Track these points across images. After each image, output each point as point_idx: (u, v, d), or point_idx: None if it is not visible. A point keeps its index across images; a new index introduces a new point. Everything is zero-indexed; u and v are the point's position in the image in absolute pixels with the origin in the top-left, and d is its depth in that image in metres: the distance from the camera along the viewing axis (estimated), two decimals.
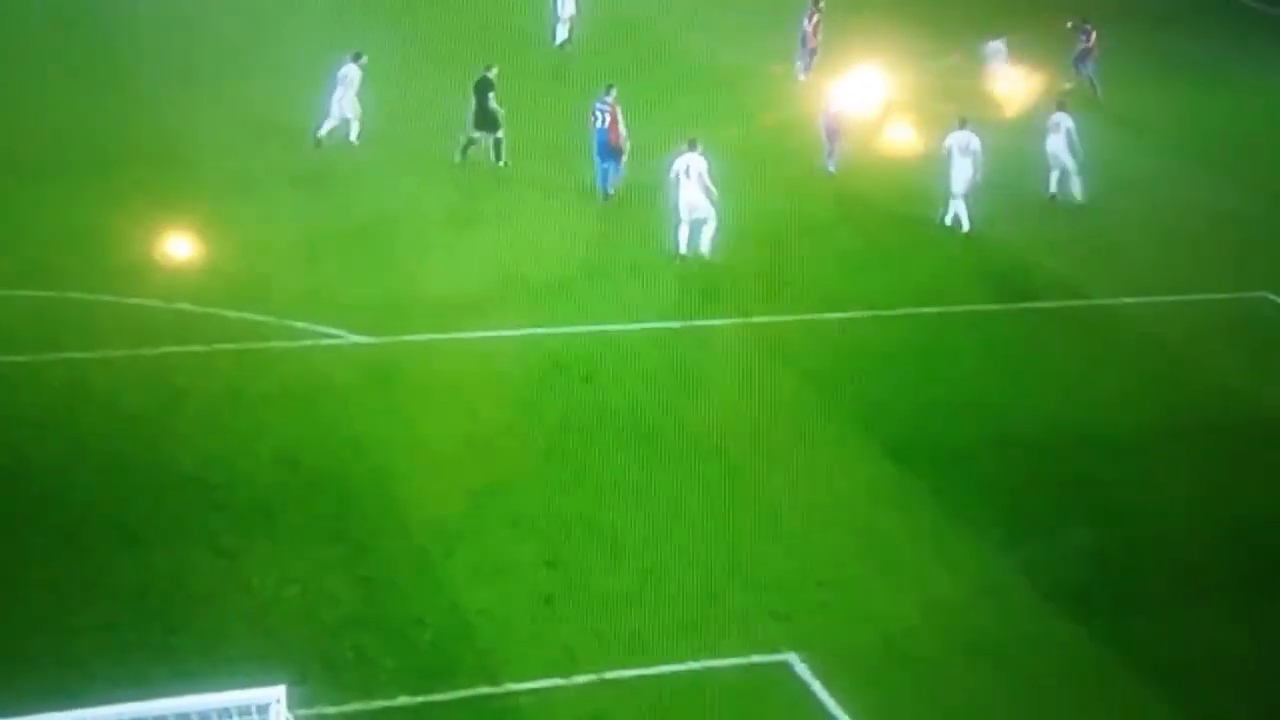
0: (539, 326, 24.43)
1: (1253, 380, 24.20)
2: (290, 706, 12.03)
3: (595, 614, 16.74)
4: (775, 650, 16.19)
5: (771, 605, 17.08)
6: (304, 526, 18.08)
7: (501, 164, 30.60)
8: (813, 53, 37.26)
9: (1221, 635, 17.30)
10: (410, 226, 28.29)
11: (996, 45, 38.01)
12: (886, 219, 29.76)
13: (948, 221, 29.22)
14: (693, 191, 26.78)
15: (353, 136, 31.75)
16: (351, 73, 31.60)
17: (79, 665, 15.23)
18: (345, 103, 31.66)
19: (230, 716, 11.86)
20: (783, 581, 17.61)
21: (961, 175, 29.10)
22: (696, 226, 26.75)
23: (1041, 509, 19.78)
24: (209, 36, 37.63)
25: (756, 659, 16.09)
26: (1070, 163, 30.96)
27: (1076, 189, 31.07)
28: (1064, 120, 31.06)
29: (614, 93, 29.66)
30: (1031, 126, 32.25)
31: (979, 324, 25.71)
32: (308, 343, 23.14)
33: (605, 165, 29.70)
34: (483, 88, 30.77)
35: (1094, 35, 37.47)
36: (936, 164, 29.53)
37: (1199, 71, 38.25)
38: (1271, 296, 27.50)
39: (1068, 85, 36.41)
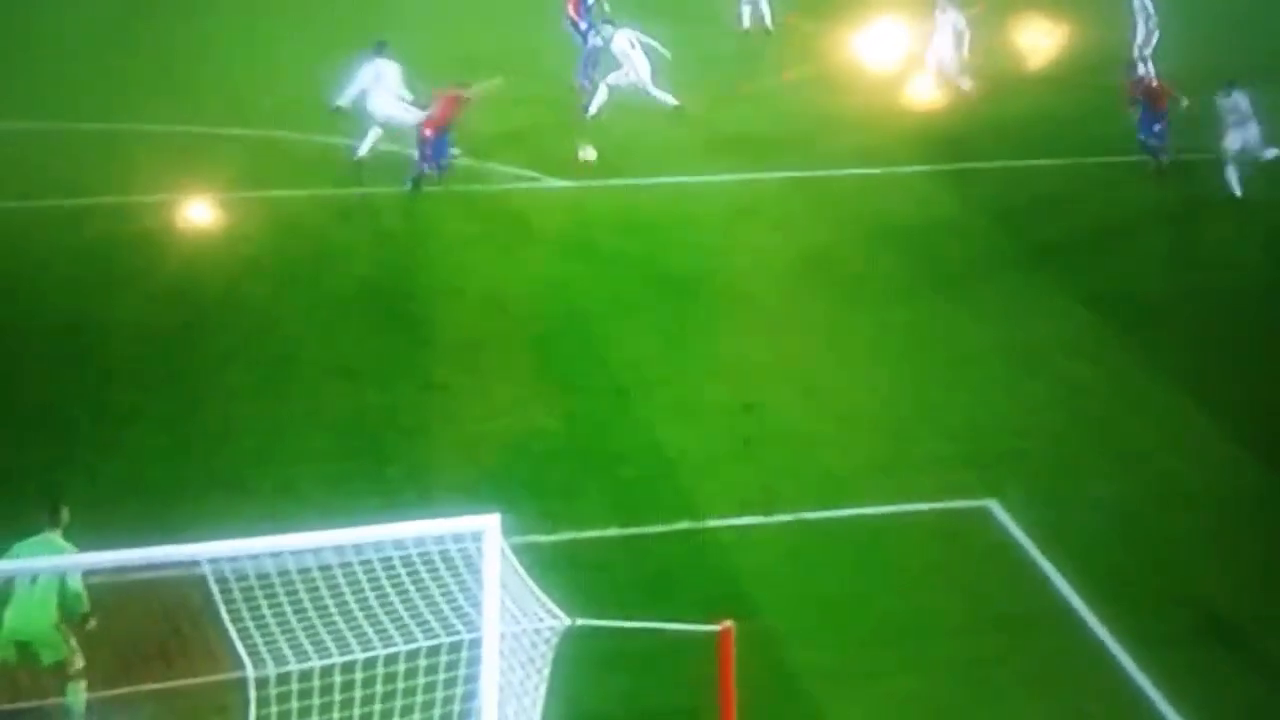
0: (730, 173, 24.53)
1: None
2: (504, 534, 12.36)
3: (792, 456, 16.82)
4: (973, 496, 16.12)
5: (967, 453, 16.98)
6: (509, 363, 18.49)
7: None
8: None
9: None
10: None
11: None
12: None
13: None
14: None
15: None
16: None
17: (294, 494, 15.53)
18: None
19: (445, 544, 12.15)
20: (978, 429, 17.50)
21: None
22: None
23: (1237, 361, 19.35)
24: None
25: (954, 504, 16.02)
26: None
27: None
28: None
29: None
30: None
31: (1179, 175, 25.08)
32: (506, 185, 23.49)
33: None
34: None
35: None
36: None
37: None
38: None
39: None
